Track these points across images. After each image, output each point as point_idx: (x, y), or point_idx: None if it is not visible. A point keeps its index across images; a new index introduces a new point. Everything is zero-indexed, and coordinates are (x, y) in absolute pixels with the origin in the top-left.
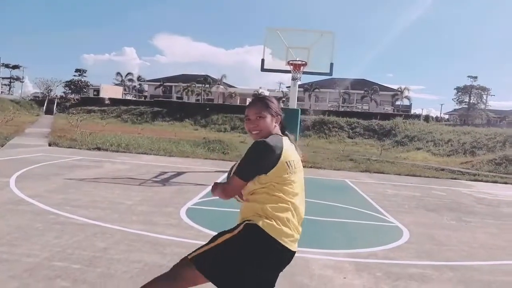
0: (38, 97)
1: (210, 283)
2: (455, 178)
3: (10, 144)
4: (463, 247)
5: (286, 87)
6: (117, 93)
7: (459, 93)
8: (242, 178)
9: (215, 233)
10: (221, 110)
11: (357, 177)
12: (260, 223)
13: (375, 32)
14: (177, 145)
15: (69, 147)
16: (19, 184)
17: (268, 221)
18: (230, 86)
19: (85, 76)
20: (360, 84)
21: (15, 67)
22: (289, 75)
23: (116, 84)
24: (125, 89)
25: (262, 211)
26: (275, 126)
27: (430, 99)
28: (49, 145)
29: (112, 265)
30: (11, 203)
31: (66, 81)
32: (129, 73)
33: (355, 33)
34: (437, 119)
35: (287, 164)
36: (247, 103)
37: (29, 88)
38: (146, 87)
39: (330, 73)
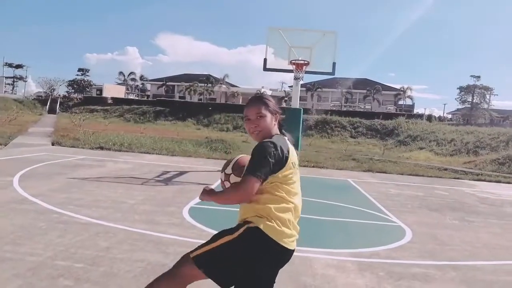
0: (41, 96)
1: (210, 279)
2: (458, 178)
3: (14, 143)
4: (466, 247)
5: (289, 86)
6: (120, 92)
7: (462, 93)
8: (260, 178)
9: (226, 229)
10: (224, 109)
11: (359, 177)
12: (261, 226)
13: (377, 32)
14: (179, 144)
15: (72, 147)
16: (23, 183)
17: (269, 223)
18: (233, 86)
19: (87, 76)
20: (363, 83)
21: (18, 66)
22: (292, 75)
23: (119, 84)
24: (127, 89)
25: (264, 212)
26: (274, 125)
27: (433, 98)
28: (52, 144)
29: (115, 264)
30: (14, 202)
31: (69, 81)
32: (131, 73)
33: (357, 32)
34: (440, 119)
35: (292, 164)
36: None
37: (32, 87)
38: (148, 86)
39: (333, 73)
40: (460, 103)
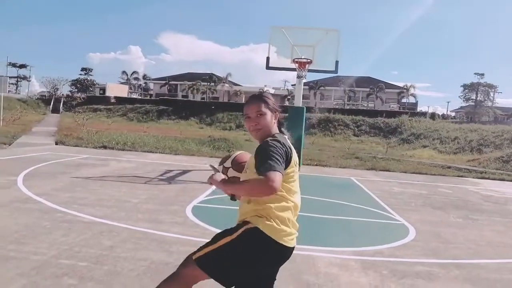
0: (45, 96)
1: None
2: (461, 176)
3: (18, 143)
4: (469, 245)
5: (292, 85)
6: (123, 91)
7: (466, 90)
8: (281, 172)
9: (226, 229)
10: (226, 108)
11: (363, 175)
12: (260, 226)
13: (380, 30)
14: (182, 143)
15: (75, 146)
16: (27, 183)
17: (268, 222)
18: (235, 85)
19: (91, 75)
20: (366, 81)
21: (22, 66)
22: (295, 73)
23: (122, 83)
24: (130, 88)
25: (263, 212)
26: (274, 123)
27: (436, 96)
28: (56, 143)
29: (119, 263)
30: (18, 201)
31: (72, 80)
32: (134, 72)
33: (359, 30)
34: (444, 117)
35: (294, 162)
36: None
37: (35, 87)
38: (151, 85)
39: (336, 71)
40: (463, 101)
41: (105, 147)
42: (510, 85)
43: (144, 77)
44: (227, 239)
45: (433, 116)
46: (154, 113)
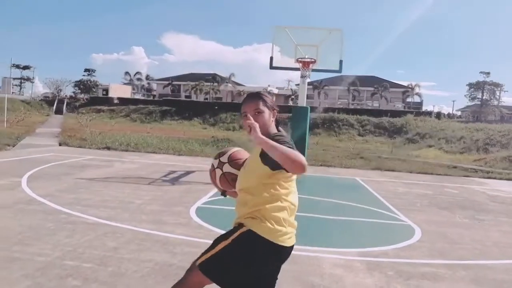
0: (48, 97)
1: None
2: (468, 176)
3: (21, 144)
4: (476, 246)
5: (295, 84)
6: (126, 92)
7: (472, 89)
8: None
9: (224, 232)
10: (230, 108)
11: (367, 175)
12: (254, 228)
13: (384, 28)
14: (186, 144)
15: (79, 147)
16: (31, 184)
17: (263, 223)
18: (239, 85)
19: (94, 76)
20: (370, 81)
21: (26, 67)
22: (298, 73)
23: (125, 84)
24: (133, 89)
25: (258, 213)
26: (272, 121)
27: (442, 95)
28: (60, 145)
29: (123, 264)
30: (22, 202)
31: (76, 81)
32: (137, 72)
33: (364, 29)
34: (449, 116)
35: None
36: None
37: (39, 88)
38: (154, 86)
39: (340, 70)
40: (469, 100)
41: (108, 148)
42: None
43: (147, 77)
44: (224, 243)
45: (438, 115)
46: (157, 114)
